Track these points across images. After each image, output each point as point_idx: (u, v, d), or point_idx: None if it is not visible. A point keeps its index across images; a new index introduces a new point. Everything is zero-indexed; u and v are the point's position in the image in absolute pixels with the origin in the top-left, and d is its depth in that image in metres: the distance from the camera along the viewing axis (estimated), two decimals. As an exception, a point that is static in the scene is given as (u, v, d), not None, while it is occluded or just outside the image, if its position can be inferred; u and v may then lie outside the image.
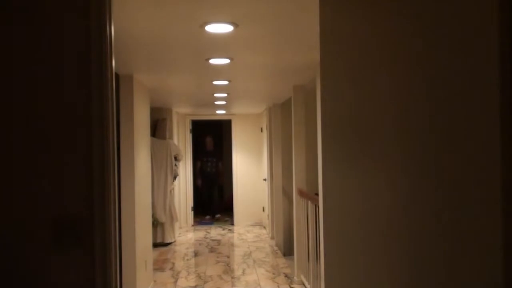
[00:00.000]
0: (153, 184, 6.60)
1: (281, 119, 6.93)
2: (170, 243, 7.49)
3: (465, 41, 0.79)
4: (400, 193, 1.05)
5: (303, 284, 5.19)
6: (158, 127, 7.38)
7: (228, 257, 6.72)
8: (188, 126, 9.29)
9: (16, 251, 1.51)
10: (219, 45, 3.42)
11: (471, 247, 0.77)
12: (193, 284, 5.39)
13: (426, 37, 0.92)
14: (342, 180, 1.49)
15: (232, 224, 9.22)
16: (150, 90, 5.42)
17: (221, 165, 10.21)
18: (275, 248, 7.14)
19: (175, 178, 7.55)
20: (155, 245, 6.88)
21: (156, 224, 7.03)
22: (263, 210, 8.67)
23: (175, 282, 5.48)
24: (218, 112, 8.97)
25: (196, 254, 6.95)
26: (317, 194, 4.31)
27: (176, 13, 2.68)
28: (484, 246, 0.73)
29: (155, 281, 5.47)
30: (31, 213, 1.50)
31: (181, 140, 8.98)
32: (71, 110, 1.52)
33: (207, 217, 9.95)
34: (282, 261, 6.40)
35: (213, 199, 10.22)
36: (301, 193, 5.15)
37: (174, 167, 7.41)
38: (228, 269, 6.00)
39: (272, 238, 7.58)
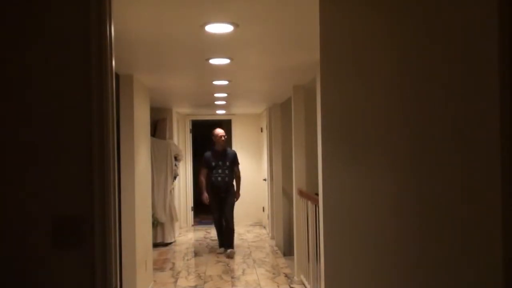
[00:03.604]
0: (153, 184, 6.60)
1: (281, 119, 6.93)
2: (170, 243, 7.49)
3: (468, 41, 0.79)
4: (400, 193, 1.05)
5: (303, 284, 5.19)
6: (158, 127, 7.38)
7: (228, 257, 6.72)
8: (188, 126, 9.29)
9: (16, 251, 1.51)
10: (219, 45, 3.42)
11: (472, 246, 0.77)
12: (193, 284, 5.39)
13: (429, 36, 0.92)
14: (342, 180, 1.49)
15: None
16: (150, 90, 5.41)
17: (238, 172, 6.77)
18: (275, 248, 7.13)
19: (175, 178, 7.55)
20: (155, 245, 6.87)
21: (156, 224, 7.03)
22: (263, 210, 8.67)
23: (175, 282, 5.47)
24: (218, 112, 8.97)
25: (196, 254, 6.95)
26: (317, 194, 4.31)
27: (176, 13, 2.68)
28: (485, 246, 0.73)
29: (155, 281, 5.46)
30: (31, 213, 1.50)
31: (181, 140, 8.97)
32: (71, 110, 1.52)
33: (220, 250, 6.82)
34: (282, 261, 6.40)
35: (228, 226, 6.63)
36: (301, 193, 5.15)
37: (174, 167, 7.40)
38: (228, 269, 5.99)
39: (272, 238, 7.57)
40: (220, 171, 6.57)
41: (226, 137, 6.79)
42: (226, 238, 6.74)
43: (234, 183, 6.75)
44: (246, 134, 9.37)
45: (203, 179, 6.64)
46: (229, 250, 6.64)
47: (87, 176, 1.51)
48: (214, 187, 6.57)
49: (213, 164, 6.57)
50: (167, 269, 6.06)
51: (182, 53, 3.73)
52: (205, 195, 6.58)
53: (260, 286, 5.29)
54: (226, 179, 6.61)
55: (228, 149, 6.96)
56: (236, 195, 6.78)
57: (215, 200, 6.61)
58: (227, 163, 6.62)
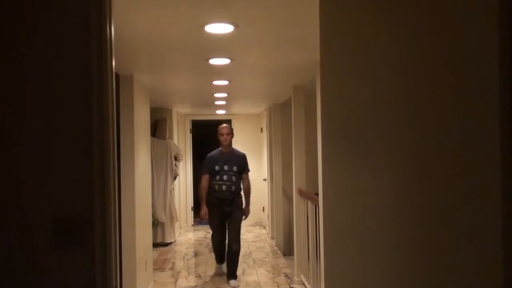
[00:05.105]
0: (153, 184, 6.60)
1: (281, 119, 6.93)
2: (170, 243, 7.49)
3: (468, 40, 0.79)
4: (401, 193, 1.05)
5: (303, 284, 5.19)
6: (158, 127, 7.38)
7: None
8: (188, 126, 9.29)
9: (16, 251, 1.51)
10: (219, 45, 3.42)
11: (472, 246, 0.77)
12: (193, 284, 5.39)
13: (429, 36, 0.92)
14: (342, 180, 1.49)
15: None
16: (150, 90, 5.42)
17: (247, 181, 5.40)
18: (275, 248, 7.13)
19: (175, 178, 7.55)
20: (155, 245, 6.87)
21: (156, 224, 7.03)
22: (263, 210, 8.67)
23: (175, 282, 5.47)
24: (218, 112, 8.97)
25: (196, 254, 6.95)
26: (317, 194, 4.31)
27: (176, 13, 2.68)
28: (485, 246, 0.73)
29: (155, 281, 5.46)
30: (31, 213, 1.50)
31: (181, 140, 8.97)
32: (71, 110, 1.52)
33: (219, 268, 5.66)
34: (282, 261, 6.40)
35: (232, 249, 5.27)
36: (301, 193, 5.15)
37: (174, 167, 7.40)
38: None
39: (272, 238, 7.57)
40: (225, 177, 5.15)
41: (229, 135, 5.33)
42: (229, 265, 5.31)
43: (242, 193, 5.42)
44: (246, 134, 9.36)
45: (205, 186, 5.20)
46: (232, 283, 5.21)
47: (87, 176, 1.51)
48: (217, 197, 5.15)
49: (217, 168, 5.19)
50: (167, 269, 6.06)
51: (182, 53, 3.73)
52: (204, 210, 5.18)
53: (260, 286, 5.29)
54: (232, 188, 5.16)
55: (236, 150, 5.49)
56: (245, 210, 5.35)
57: (217, 215, 5.18)
58: (234, 168, 5.20)
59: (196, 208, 9.00)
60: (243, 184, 5.39)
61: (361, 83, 1.30)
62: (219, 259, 5.61)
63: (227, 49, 3.58)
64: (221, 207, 5.17)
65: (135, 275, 4.47)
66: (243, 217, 5.40)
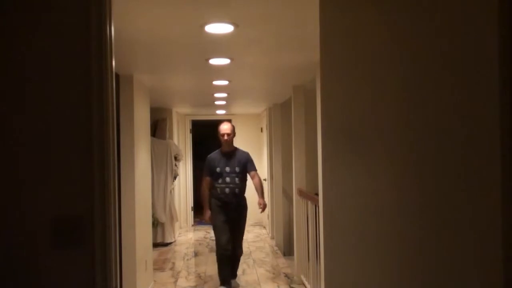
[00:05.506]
0: (153, 184, 6.59)
1: (281, 119, 6.93)
2: (170, 243, 7.49)
3: (468, 39, 0.78)
4: (401, 193, 1.05)
5: (303, 284, 5.18)
6: (158, 127, 7.38)
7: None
8: (188, 126, 9.29)
9: (16, 251, 1.51)
10: (219, 45, 3.42)
11: (472, 246, 0.77)
12: (193, 284, 5.39)
13: (430, 36, 0.92)
14: (342, 180, 1.49)
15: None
16: (150, 90, 5.42)
17: (257, 178, 5.02)
18: (275, 248, 7.13)
19: (175, 178, 7.55)
20: (155, 245, 6.87)
21: (156, 224, 7.03)
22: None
23: (175, 282, 5.47)
24: (218, 112, 8.97)
25: (196, 254, 6.95)
26: (317, 194, 4.31)
27: (176, 13, 2.68)
28: (485, 246, 0.73)
29: (155, 281, 5.46)
30: (31, 213, 1.50)
31: (181, 140, 8.97)
32: (71, 110, 1.52)
33: None
34: (282, 261, 6.40)
35: (235, 253, 5.08)
36: (301, 193, 5.15)
37: (174, 167, 7.40)
38: (228, 269, 5.99)
39: (272, 238, 7.57)
40: (227, 179, 4.81)
41: (230, 135, 4.97)
42: (232, 269, 5.14)
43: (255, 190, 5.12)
44: (246, 134, 9.36)
45: (206, 190, 4.93)
46: (232, 283, 5.10)
47: (87, 176, 1.51)
48: (220, 201, 4.84)
49: (218, 170, 4.84)
50: (167, 269, 6.06)
51: (182, 53, 3.73)
52: (208, 213, 4.91)
53: (260, 286, 5.29)
54: (236, 190, 4.81)
55: (239, 150, 5.11)
56: (260, 202, 5.02)
57: (221, 217, 4.82)
58: (236, 169, 4.85)
59: (196, 209, 9.02)
60: (253, 182, 4.99)
61: (361, 83, 1.30)
62: (222, 281, 4.98)
63: (227, 49, 3.58)
64: (226, 210, 4.84)
65: (135, 275, 4.47)
66: (260, 210, 5.13)
